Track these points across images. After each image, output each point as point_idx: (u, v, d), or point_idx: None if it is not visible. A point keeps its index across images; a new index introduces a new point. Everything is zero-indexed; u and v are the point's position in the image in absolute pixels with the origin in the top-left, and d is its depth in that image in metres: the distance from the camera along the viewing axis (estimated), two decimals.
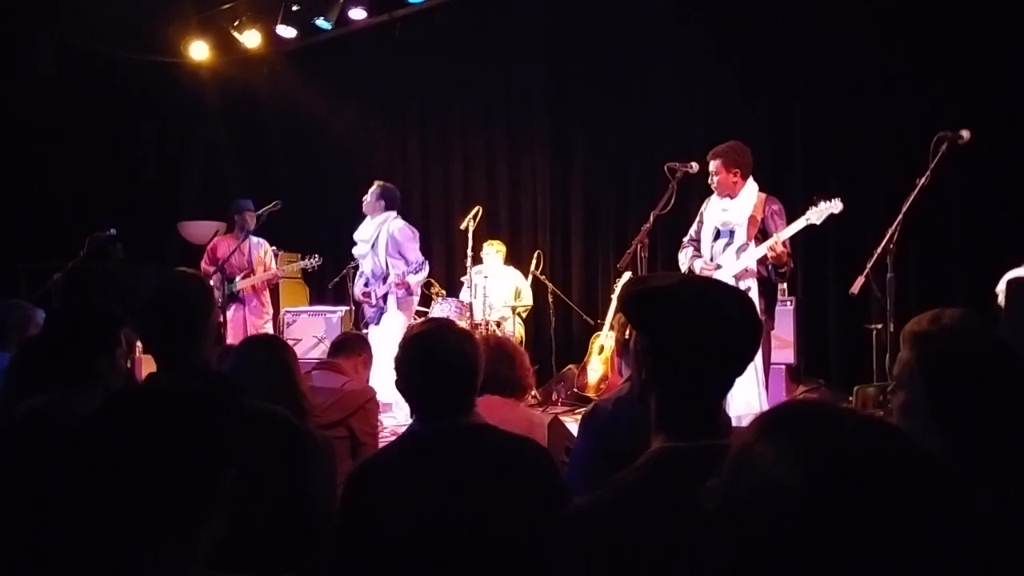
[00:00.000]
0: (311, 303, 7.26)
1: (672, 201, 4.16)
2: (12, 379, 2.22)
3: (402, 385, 1.67)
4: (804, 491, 0.65)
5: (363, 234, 5.58)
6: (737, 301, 1.22)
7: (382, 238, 5.49)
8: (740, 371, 1.22)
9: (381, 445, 2.91)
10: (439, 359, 1.61)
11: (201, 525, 0.97)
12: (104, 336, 1.82)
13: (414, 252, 5.47)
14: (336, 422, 2.75)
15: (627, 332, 1.30)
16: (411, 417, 1.70)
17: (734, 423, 3.81)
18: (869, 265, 3.42)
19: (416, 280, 5.60)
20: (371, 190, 5.59)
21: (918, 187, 3.37)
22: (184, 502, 0.94)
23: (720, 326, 1.16)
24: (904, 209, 3.40)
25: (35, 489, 1.44)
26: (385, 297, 5.52)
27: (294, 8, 6.97)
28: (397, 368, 1.68)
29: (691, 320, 1.15)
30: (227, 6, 7.37)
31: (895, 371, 1.36)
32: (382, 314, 5.55)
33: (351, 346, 3.25)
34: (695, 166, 4.26)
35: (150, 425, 0.95)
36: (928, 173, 3.36)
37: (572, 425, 3.66)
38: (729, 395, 3.99)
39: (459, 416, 1.61)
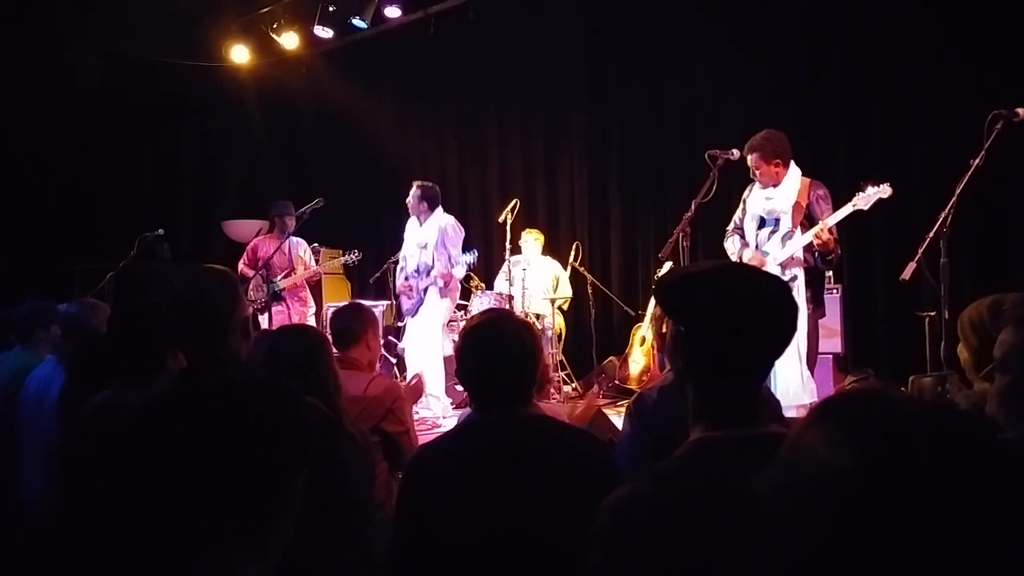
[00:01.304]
0: (353, 298, 7.35)
1: (714, 189, 4.09)
2: (73, 377, 2.28)
3: (461, 375, 1.70)
4: (855, 473, 0.62)
5: (419, 237, 5.65)
6: (772, 284, 1.20)
7: (437, 236, 5.59)
8: (777, 355, 1.19)
9: (420, 438, 2.88)
10: (498, 350, 1.63)
11: (272, 530, 0.89)
12: (162, 333, 1.86)
13: (458, 248, 5.59)
14: (366, 431, 2.53)
15: (664, 325, 1.28)
16: (452, 409, 1.73)
17: None
18: (921, 250, 3.30)
19: (459, 273, 5.68)
20: (412, 192, 5.66)
21: (972, 168, 3.25)
22: (256, 504, 0.86)
23: (754, 309, 1.13)
24: (958, 191, 3.27)
25: (105, 486, 1.47)
26: (426, 290, 5.59)
27: (331, 9, 7.06)
28: (457, 358, 1.72)
29: (724, 304, 1.13)
30: (266, 9, 7.49)
31: (997, 353, 1.35)
32: (420, 305, 5.62)
33: (352, 332, 2.93)
34: (736, 153, 4.19)
35: (223, 420, 0.87)
36: (983, 153, 3.24)
37: (615, 419, 3.64)
38: (774, 385, 3.91)
39: (517, 407, 1.62)
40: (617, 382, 6.05)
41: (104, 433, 1.61)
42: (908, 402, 0.67)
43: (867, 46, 5.60)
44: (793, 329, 1.23)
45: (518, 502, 1.49)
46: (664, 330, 1.31)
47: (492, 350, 1.62)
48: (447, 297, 5.65)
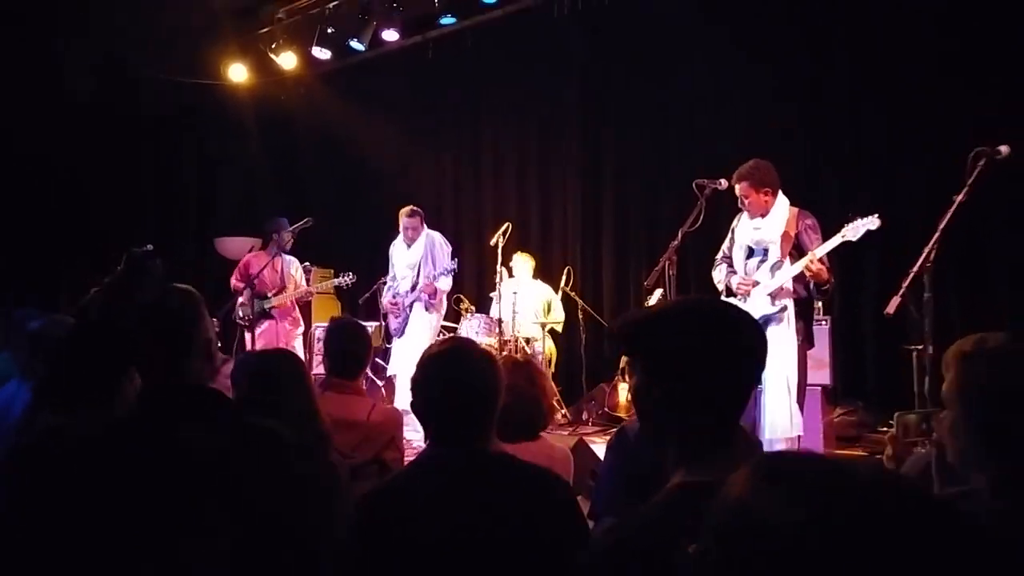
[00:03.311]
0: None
1: (701, 218, 4.10)
2: (35, 397, 2.24)
3: (419, 408, 1.59)
4: (805, 527, 0.61)
5: (410, 258, 5.77)
6: (737, 317, 1.17)
7: (424, 251, 5.72)
8: (751, 390, 1.17)
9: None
10: (457, 382, 1.53)
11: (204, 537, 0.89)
12: (119, 354, 1.82)
13: (446, 259, 5.71)
14: (369, 460, 2.52)
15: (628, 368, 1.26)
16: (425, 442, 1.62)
17: (767, 446, 3.71)
18: (905, 284, 3.30)
19: (444, 285, 5.70)
20: (408, 220, 5.76)
21: (955, 204, 3.26)
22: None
23: (722, 346, 1.11)
24: (941, 226, 3.28)
25: (46, 509, 1.44)
26: (411, 306, 5.63)
27: (329, 31, 7.11)
28: (413, 388, 1.61)
29: (690, 341, 1.11)
30: (265, 29, 7.56)
31: (943, 391, 1.34)
32: (406, 324, 5.65)
33: (357, 360, 2.75)
34: (724, 183, 4.20)
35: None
36: (966, 189, 3.25)
37: (603, 446, 3.61)
38: (762, 417, 3.85)
39: (476, 444, 1.54)
40: (606, 409, 6.01)
41: (46, 457, 1.57)
42: (850, 466, 0.67)
43: (858, 85, 5.66)
44: (762, 364, 1.21)
45: (474, 546, 1.43)
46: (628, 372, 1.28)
47: (452, 384, 1.54)
48: (433, 312, 5.70)
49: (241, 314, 5.86)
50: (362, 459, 2.48)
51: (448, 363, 1.57)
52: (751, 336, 1.15)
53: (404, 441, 4.37)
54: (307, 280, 6.33)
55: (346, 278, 6.10)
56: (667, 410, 1.15)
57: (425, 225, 5.82)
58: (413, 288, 5.71)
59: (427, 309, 5.67)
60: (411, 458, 3.24)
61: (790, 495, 0.63)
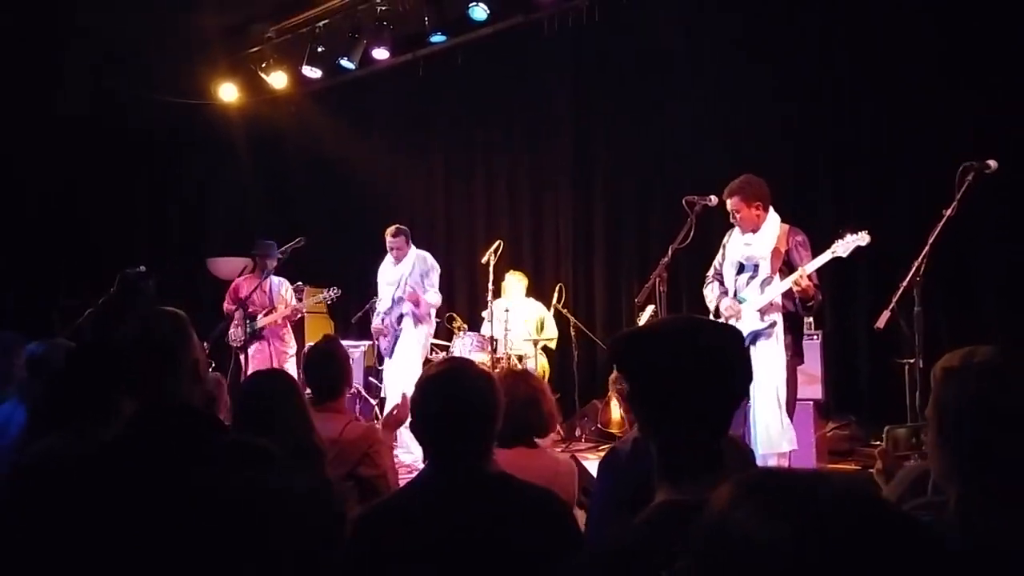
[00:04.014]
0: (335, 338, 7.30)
1: (691, 234, 4.11)
2: (32, 417, 2.23)
3: (416, 428, 1.60)
4: (789, 543, 0.62)
5: (394, 274, 5.82)
6: (722, 335, 1.20)
7: (410, 268, 5.76)
8: (735, 408, 1.18)
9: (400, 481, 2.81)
10: (456, 403, 1.54)
11: None
12: (113, 373, 1.82)
13: (431, 276, 5.78)
14: (343, 476, 2.56)
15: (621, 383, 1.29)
16: (424, 462, 1.62)
17: (760, 462, 3.70)
18: (895, 299, 3.32)
19: (430, 299, 5.72)
20: (394, 238, 5.81)
21: (944, 218, 3.29)
22: None
23: (706, 363, 1.13)
24: (930, 241, 3.31)
25: (40, 531, 1.44)
26: (400, 320, 5.63)
27: (319, 49, 7.14)
28: (412, 410, 1.62)
29: (674, 358, 1.13)
30: (255, 49, 7.58)
31: (928, 409, 1.34)
32: (396, 342, 5.65)
33: (334, 385, 2.83)
34: (714, 199, 4.22)
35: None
36: (955, 204, 3.28)
37: (595, 462, 3.60)
38: (754, 433, 3.85)
39: (475, 463, 1.54)
40: (599, 426, 5.99)
41: (41, 478, 1.56)
42: (826, 481, 0.67)
43: (849, 100, 5.71)
44: (746, 381, 1.23)
45: (471, 566, 1.43)
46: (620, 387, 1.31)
47: (451, 404, 1.54)
48: (422, 324, 5.71)
49: (234, 336, 5.85)
50: (334, 475, 2.50)
51: (446, 383, 1.58)
52: (734, 356, 1.17)
53: (396, 461, 4.37)
54: (299, 300, 6.31)
55: (331, 292, 6.10)
56: (652, 426, 1.17)
57: (411, 244, 5.85)
58: (394, 302, 5.71)
59: (415, 323, 5.67)
60: (401, 479, 3.24)
61: (769, 511, 0.63)
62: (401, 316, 5.70)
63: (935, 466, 1.28)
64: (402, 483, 2.53)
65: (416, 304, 5.66)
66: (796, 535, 0.62)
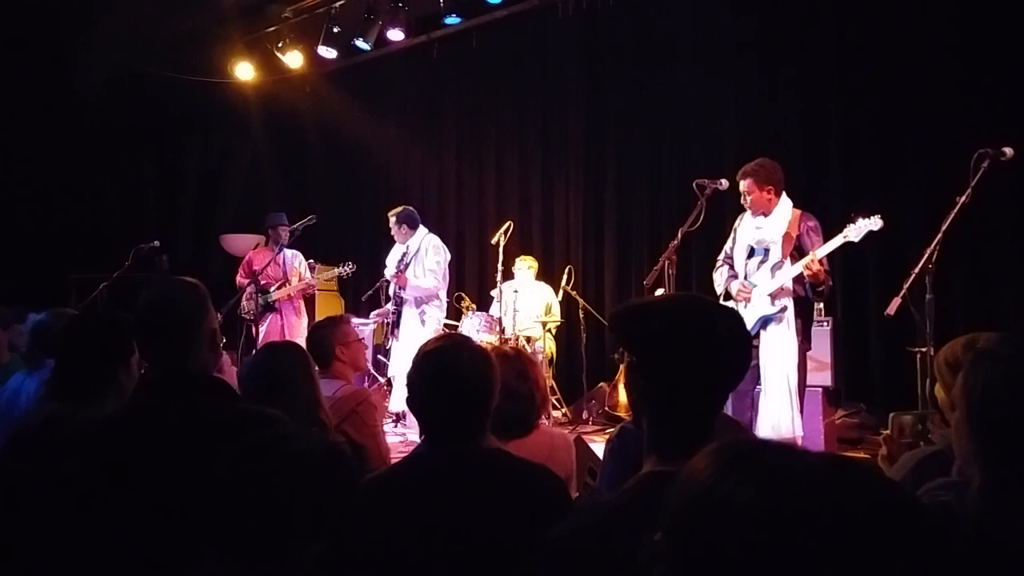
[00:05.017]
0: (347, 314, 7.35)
1: (701, 218, 4.10)
2: (46, 388, 2.28)
3: (412, 404, 1.60)
4: (757, 505, 0.61)
5: (393, 258, 5.93)
6: (722, 315, 1.20)
7: (414, 251, 5.80)
8: (729, 387, 1.19)
9: (393, 457, 2.84)
10: (451, 379, 1.53)
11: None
12: (117, 344, 1.85)
13: (432, 262, 5.79)
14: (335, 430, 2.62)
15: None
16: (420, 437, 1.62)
17: None
18: (906, 286, 3.29)
19: (422, 283, 5.75)
20: (391, 224, 5.88)
21: (958, 205, 3.25)
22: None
23: (703, 339, 1.13)
24: (943, 228, 3.28)
25: (45, 499, 1.47)
26: (401, 302, 5.68)
27: (335, 30, 7.13)
28: (408, 386, 1.61)
29: (672, 332, 1.13)
30: (271, 28, 7.58)
31: (954, 389, 1.34)
32: (399, 323, 5.76)
33: (322, 354, 2.94)
34: (725, 183, 4.20)
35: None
36: (969, 191, 3.24)
37: (602, 444, 3.61)
38: (760, 417, 3.85)
39: (470, 440, 1.53)
40: (607, 408, 6.01)
41: (46, 446, 1.59)
42: (808, 453, 0.67)
43: (861, 85, 5.63)
44: (745, 359, 1.23)
45: (463, 542, 1.43)
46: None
47: (446, 380, 1.53)
48: (426, 306, 5.76)
49: (247, 308, 5.90)
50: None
51: (441, 359, 1.57)
52: (733, 335, 1.17)
53: (405, 439, 4.42)
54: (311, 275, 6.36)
55: (346, 268, 6.12)
56: (647, 399, 1.18)
57: (417, 228, 5.90)
58: (391, 283, 5.87)
59: (416, 305, 5.75)
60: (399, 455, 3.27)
61: (742, 474, 0.64)
62: (401, 298, 5.76)
63: (959, 448, 1.28)
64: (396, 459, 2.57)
65: (401, 287, 5.71)
66: (761, 496, 0.61)
